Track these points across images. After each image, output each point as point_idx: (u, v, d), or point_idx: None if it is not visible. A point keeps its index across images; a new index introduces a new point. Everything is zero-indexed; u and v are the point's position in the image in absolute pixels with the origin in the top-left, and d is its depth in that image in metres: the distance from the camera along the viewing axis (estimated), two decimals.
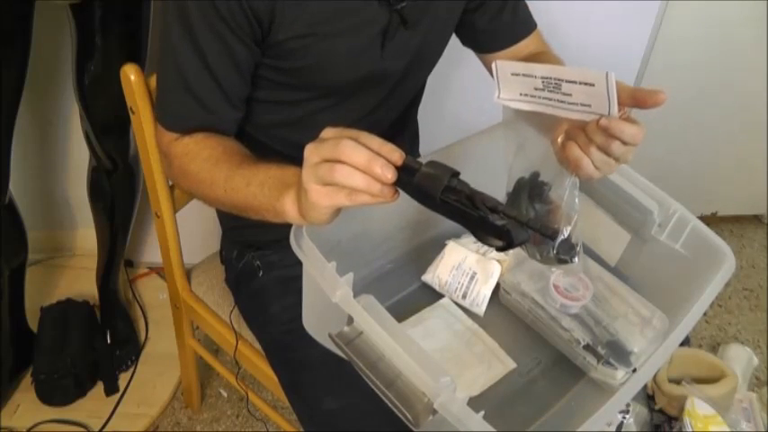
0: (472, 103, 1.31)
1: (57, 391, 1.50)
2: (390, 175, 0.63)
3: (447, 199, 0.63)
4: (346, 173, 0.63)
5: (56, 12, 1.28)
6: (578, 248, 0.87)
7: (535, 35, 1.09)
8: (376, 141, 0.64)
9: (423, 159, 0.92)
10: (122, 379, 1.58)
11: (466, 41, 1.11)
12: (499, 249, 0.64)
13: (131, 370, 1.60)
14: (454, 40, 1.08)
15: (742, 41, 1.74)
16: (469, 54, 1.12)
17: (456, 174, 0.64)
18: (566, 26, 1.32)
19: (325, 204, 0.66)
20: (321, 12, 0.85)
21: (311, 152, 0.65)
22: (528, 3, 1.09)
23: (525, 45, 1.08)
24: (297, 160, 0.76)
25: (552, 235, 0.62)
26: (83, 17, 1.22)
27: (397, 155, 0.64)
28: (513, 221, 0.62)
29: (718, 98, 1.85)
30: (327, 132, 0.67)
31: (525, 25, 1.09)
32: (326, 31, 0.86)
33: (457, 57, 1.12)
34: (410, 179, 0.64)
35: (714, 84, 1.82)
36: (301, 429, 1.03)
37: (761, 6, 1.68)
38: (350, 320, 0.73)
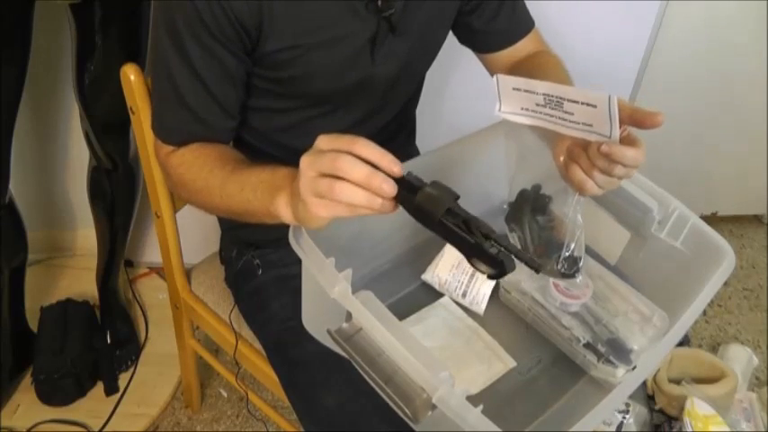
0: (470, 102, 1.31)
1: (57, 391, 1.50)
2: (390, 189, 0.63)
3: (446, 221, 0.64)
4: (347, 190, 0.63)
5: (56, 12, 1.28)
6: (581, 264, 0.88)
7: (533, 35, 1.09)
8: (376, 153, 0.64)
9: (422, 158, 0.92)
10: (122, 379, 1.58)
11: (463, 41, 1.10)
12: (490, 277, 0.65)
13: (131, 370, 1.60)
14: (451, 39, 1.08)
15: (742, 41, 1.74)
16: (468, 53, 1.12)
17: (457, 197, 0.65)
18: (565, 26, 1.32)
19: (324, 216, 0.66)
20: (308, 22, 0.85)
21: (307, 165, 0.65)
22: (528, 3, 1.09)
23: (524, 45, 1.08)
24: (293, 164, 0.76)
25: (537, 269, 0.64)
26: (83, 17, 1.22)
27: (397, 168, 0.64)
28: (503, 251, 0.63)
29: (717, 98, 1.86)
30: (322, 142, 0.66)
31: (523, 25, 1.08)
32: (314, 42, 0.86)
33: (455, 56, 1.12)
34: (410, 196, 0.65)
35: (714, 84, 1.82)
36: (301, 429, 1.02)
37: (761, 6, 1.68)
38: (348, 317, 0.74)
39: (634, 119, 0.74)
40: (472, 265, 0.65)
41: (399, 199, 0.65)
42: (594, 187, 0.80)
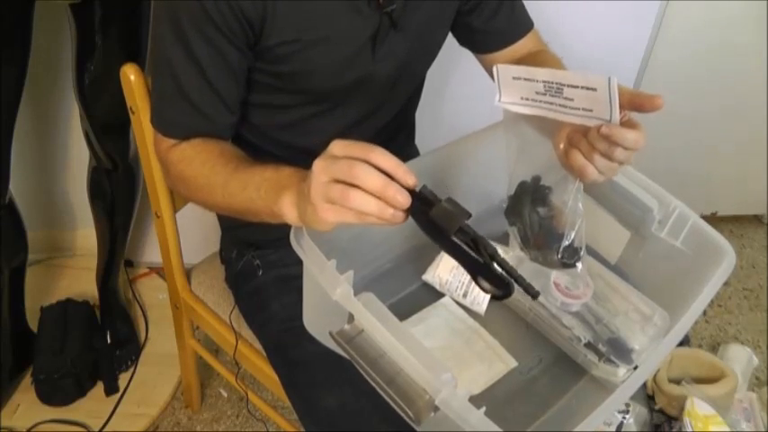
0: (470, 103, 1.32)
1: (57, 391, 1.50)
2: (405, 200, 0.63)
3: (456, 239, 0.65)
4: (360, 198, 0.62)
5: (56, 12, 1.28)
6: (582, 253, 0.87)
7: (532, 35, 1.09)
8: (391, 162, 0.64)
9: (422, 159, 0.92)
10: (122, 379, 1.58)
11: (462, 42, 1.10)
12: (494, 297, 0.66)
13: (131, 370, 1.60)
14: (451, 41, 1.08)
15: (742, 41, 1.74)
16: (468, 54, 1.12)
17: (469, 216, 0.65)
18: (566, 26, 1.32)
19: (332, 221, 0.66)
20: (310, 18, 0.85)
21: (321, 170, 0.65)
22: (527, 3, 1.09)
23: (523, 45, 1.08)
24: (293, 162, 0.76)
25: (534, 295, 0.66)
26: (83, 17, 1.22)
27: (411, 179, 0.64)
28: (502, 272, 0.65)
29: (717, 98, 1.85)
30: (336, 148, 0.65)
31: (522, 25, 1.08)
32: (315, 37, 0.86)
33: (455, 57, 1.12)
34: (423, 209, 0.65)
35: (714, 84, 1.82)
36: (301, 429, 1.02)
37: (761, 6, 1.68)
38: (350, 318, 0.73)
39: (634, 103, 0.74)
40: (477, 283, 0.65)
41: (411, 211, 0.65)
42: (595, 172, 0.80)
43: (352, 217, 0.64)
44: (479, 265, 0.65)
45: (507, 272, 0.65)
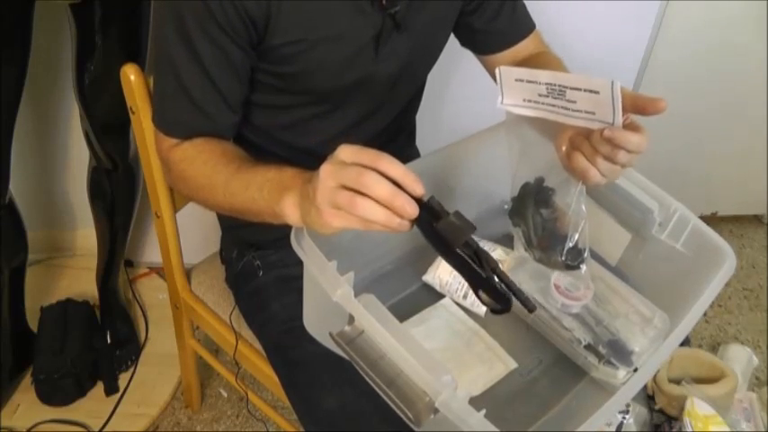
0: (470, 104, 1.32)
1: (57, 391, 1.50)
2: (413, 211, 0.63)
3: (461, 252, 0.65)
4: (368, 208, 0.62)
5: (56, 12, 1.28)
6: (585, 254, 0.87)
7: (534, 36, 1.09)
8: (399, 170, 0.63)
9: (423, 160, 0.91)
10: (122, 379, 1.58)
11: (464, 43, 1.10)
12: (494, 311, 0.66)
13: (131, 370, 1.60)
14: (452, 42, 1.08)
15: (742, 41, 1.74)
16: (468, 55, 1.12)
17: (474, 229, 0.66)
18: (566, 26, 1.32)
19: (336, 226, 0.66)
20: (314, 18, 0.85)
21: (328, 175, 0.64)
22: (528, 3, 1.09)
23: (524, 46, 1.08)
24: (294, 162, 0.76)
25: (531, 309, 0.67)
26: (83, 17, 1.22)
27: (419, 188, 0.64)
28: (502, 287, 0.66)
29: (717, 98, 1.85)
30: (344, 153, 0.65)
31: (524, 26, 1.08)
32: (319, 37, 0.86)
33: (455, 58, 1.12)
34: (429, 220, 0.65)
35: (714, 84, 1.82)
36: (301, 429, 1.02)
37: (761, 6, 1.68)
38: (351, 320, 0.73)
39: (636, 105, 0.74)
40: (477, 296, 0.66)
41: (417, 220, 0.65)
42: (597, 175, 0.80)
43: (357, 223, 0.64)
44: (481, 277, 0.65)
45: (507, 286, 0.65)
